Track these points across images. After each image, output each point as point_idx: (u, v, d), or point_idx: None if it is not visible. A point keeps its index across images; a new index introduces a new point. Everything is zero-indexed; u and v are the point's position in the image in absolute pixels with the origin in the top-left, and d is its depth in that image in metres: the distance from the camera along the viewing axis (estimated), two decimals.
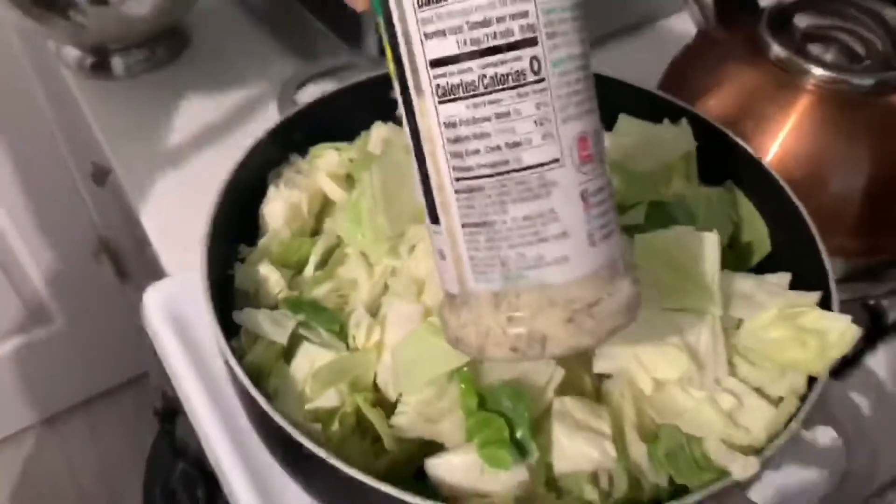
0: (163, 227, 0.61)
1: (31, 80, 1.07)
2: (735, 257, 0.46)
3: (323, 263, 0.43)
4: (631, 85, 0.50)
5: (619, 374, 0.35)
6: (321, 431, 0.33)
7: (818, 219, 0.50)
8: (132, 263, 1.37)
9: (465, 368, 0.32)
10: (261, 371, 0.37)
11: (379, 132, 0.46)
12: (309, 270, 0.42)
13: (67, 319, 1.47)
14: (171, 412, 0.57)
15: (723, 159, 0.47)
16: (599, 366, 0.35)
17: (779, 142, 0.50)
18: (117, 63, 0.74)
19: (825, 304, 0.38)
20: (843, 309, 0.54)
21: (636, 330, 0.34)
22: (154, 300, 0.53)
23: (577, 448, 0.32)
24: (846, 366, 0.53)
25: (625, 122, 0.47)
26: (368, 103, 0.48)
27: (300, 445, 0.31)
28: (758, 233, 0.45)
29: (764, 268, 0.44)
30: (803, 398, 0.34)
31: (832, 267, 0.48)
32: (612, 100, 0.49)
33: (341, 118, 0.48)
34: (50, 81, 0.92)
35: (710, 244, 0.37)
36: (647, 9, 0.78)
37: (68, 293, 1.44)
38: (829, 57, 0.50)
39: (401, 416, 0.33)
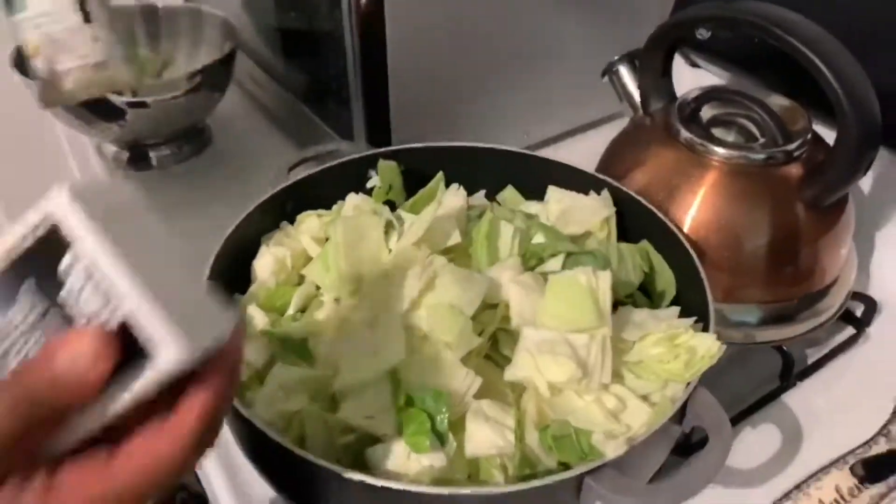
0: None
1: (73, 173, 1.21)
2: (650, 300, 0.54)
3: (303, 308, 0.53)
4: (567, 165, 0.61)
5: (526, 381, 0.43)
6: (282, 427, 0.42)
7: (736, 274, 0.59)
8: None
9: (398, 374, 0.41)
10: (241, 387, 0.45)
11: (352, 200, 0.56)
12: (289, 312, 0.52)
13: None
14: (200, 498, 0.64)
15: (639, 222, 0.57)
16: (508, 374, 0.43)
17: (694, 210, 0.59)
18: (153, 157, 0.86)
19: (705, 329, 0.46)
20: (760, 353, 0.62)
21: (541, 347, 0.42)
22: None
23: (483, 435, 0.40)
24: (764, 402, 0.60)
25: (553, 192, 0.57)
26: (346, 179, 0.59)
27: (265, 435, 0.39)
28: (667, 281, 0.54)
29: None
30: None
31: (750, 312, 0.57)
32: (554, 177, 0.60)
33: (324, 191, 0.59)
34: (88, 173, 1.05)
35: (603, 280, 0.45)
36: (613, 107, 0.91)
37: None
38: (731, 138, 0.60)
39: (344, 410, 0.41)
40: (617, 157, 0.65)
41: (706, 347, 0.43)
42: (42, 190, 0.32)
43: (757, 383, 0.62)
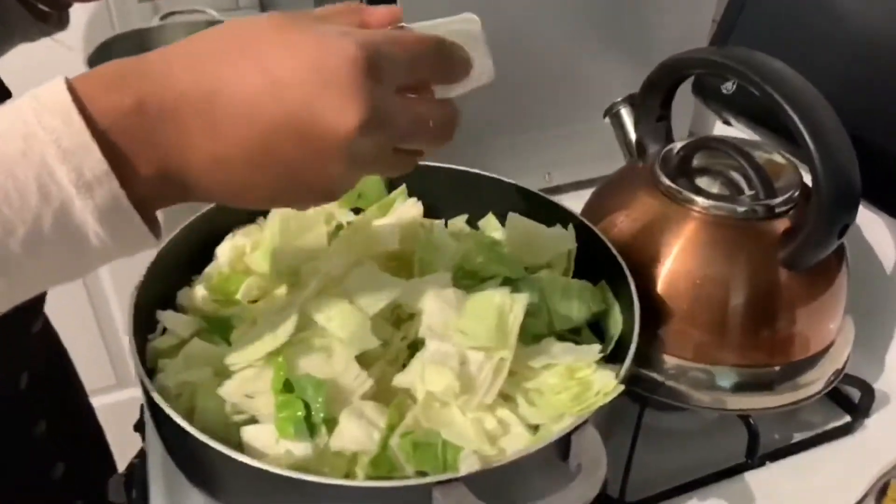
0: None
1: None
2: (601, 338, 0.53)
3: (256, 299, 0.54)
4: (541, 196, 0.60)
5: (410, 387, 0.42)
6: (178, 395, 0.43)
7: (709, 331, 0.56)
8: None
9: (281, 358, 0.42)
10: (158, 353, 0.47)
11: None
12: (237, 298, 0.53)
13: None
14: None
15: (603, 263, 0.55)
16: (395, 380, 0.43)
17: (670, 260, 0.56)
18: None
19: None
20: (726, 423, 0.57)
21: (434, 358, 0.42)
22: None
23: (351, 432, 0.39)
24: (726, 475, 0.56)
25: (514, 219, 0.56)
26: None
27: (153, 402, 0.41)
28: (617, 324, 0.52)
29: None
30: None
31: (723, 375, 0.54)
32: (520, 205, 0.59)
33: None
34: None
35: (518, 303, 0.44)
36: None
37: None
38: (715, 189, 0.57)
39: (226, 386, 0.42)
40: (603, 199, 0.64)
41: (603, 384, 0.41)
42: None
43: (725, 456, 0.58)
